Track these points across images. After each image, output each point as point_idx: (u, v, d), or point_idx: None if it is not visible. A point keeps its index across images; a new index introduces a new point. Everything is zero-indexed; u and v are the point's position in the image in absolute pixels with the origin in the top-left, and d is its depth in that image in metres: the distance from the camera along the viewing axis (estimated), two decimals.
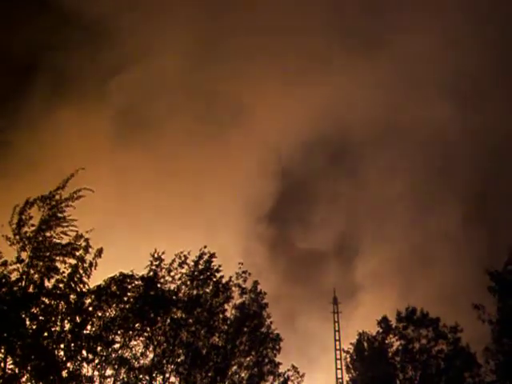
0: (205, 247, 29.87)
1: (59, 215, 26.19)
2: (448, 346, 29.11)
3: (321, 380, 34.05)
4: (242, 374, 28.79)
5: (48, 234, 26.08)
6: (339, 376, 33.78)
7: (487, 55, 57.13)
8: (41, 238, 25.86)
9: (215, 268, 29.70)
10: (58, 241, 26.24)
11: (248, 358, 29.06)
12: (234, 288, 29.74)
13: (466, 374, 28.35)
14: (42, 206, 26.00)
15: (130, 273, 28.44)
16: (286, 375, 28.98)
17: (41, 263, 25.89)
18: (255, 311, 29.92)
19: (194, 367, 28.31)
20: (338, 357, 34.55)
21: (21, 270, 25.49)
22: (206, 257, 29.72)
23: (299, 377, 28.98)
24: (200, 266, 29.73)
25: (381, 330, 30.08)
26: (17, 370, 24.75)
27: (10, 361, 24.73)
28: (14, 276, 25.40)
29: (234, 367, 28.85)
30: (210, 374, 28.48)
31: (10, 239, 25.38)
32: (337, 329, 35.06)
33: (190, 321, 29.05)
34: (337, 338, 34.82)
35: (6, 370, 24.53)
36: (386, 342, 29.86)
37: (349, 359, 30.57)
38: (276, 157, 57.60)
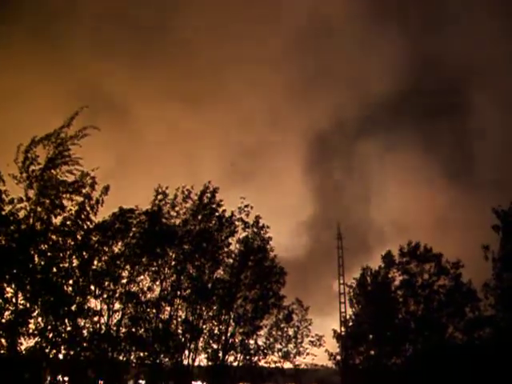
0: (209, 182, 30.01)
1: (65, 153, 26.15)
2: (450, 282, 29.68)
3: (324, 314, 34.79)
4: (247, 307, 29.27)
5: (54, 172, 26.12)
6: (343, 310, 34.53)
7: None
8: (47, 177, 25.91)
9: (218, 202, 29.79)
10: (64, 179, 26.38)
11: (253, 292, 29.45)
12: (237, 222, 29.87)
13: (467, 309, 29.01)
14: (48, 144, 25.91)
15: (133, 207, 28.70)
16: (290, 308, 29.46)
17: (47, 201, 26.06)
18: (259, 245, 30.11)
19: (199, 300, 28.79)
20: (342, 291, 35.23)
21: (28, 208, 25.68)
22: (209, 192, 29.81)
23: (303, 310, 29.51)
24: (204, 201, 29.84)
25: (384, 265, 30.54)
26: (28, 305, 25.28)
27: (21, 297, 25.23)
28: (21, 214, 25.63)
29: (239, 300, 29.32)
30: (215, 307, 29.01)
31: (16, 178, 25.40)
32: (340, 263, 35.57)
33: (196, 255, 29.35)
34: (340, 272, 35.39)
35: (17, 305, 25.06)
36: (389, 276, 30.31)
37: (352, 294, 31.14)
38: None
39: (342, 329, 31.60)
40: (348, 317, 32.23)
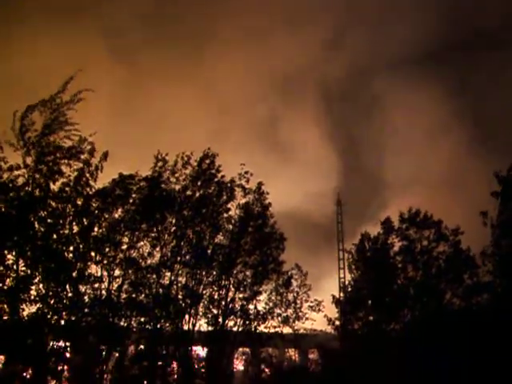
0: (208, 148, 29.97)
1: (61, 119, 26.05)
2: (449, 248, 29.80)
3: (324, 279, 35.09)
4: (247, 273, 29.47)
5: (51, 139, 26.06)
6: (342, 276, 34.81)
7: None
8: (44, 143, 25.85)
9: (217, 168, 29.78)
10: (62, 144, 26.30)
11: (252, 257, 29.61)
12: (236, 188, 29.90)
13: (465, 275, 29.20)
14: (44, 110, 25.78)
15: (132, 173, 28.67)
16: (289, 273, 29.64)
17: (45, 167, 26.04)
18: (259, 211, 30.19)
19: (200, 266, 28.97)
20: (341, 257, 35.43)
21: (26, 175, 25.70)
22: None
23: (302, 275, 29.68)
24: (203, 166, 29.83)
25: (383, 231, 30.60)
26: (29, 272, 25.46)
27: (21, 263, 25.39)
28: (20, 181, 25.65)
29: (239, 266, 29.49)
30: (215, 273, 29.20)
31: (13, 145, 25.36)
32: (340, 229, 35.77)
33: (196, 220, 29.44)
34: (340, 238, 35.59)
35: (18, 271, 25.24)
36: (388, 242, 30.39)
37: (351, 259, 31.28)
38: None
39: (341, 294, 31.91)
40: (347, 282, 32.54)
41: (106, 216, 28.08)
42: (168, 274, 28.70)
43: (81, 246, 27.03)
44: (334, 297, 30.51)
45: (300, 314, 28.98)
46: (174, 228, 29.26)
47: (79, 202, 27.09)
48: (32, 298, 25.21)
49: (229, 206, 29.88)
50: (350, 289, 31.45)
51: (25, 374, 25.32)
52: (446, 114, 60.60)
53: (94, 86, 26.58)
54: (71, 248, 26.76)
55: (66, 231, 26.76)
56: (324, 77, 64.42)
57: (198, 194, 29.66)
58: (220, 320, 28.68)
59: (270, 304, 29.16)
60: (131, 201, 28.69)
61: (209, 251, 29.24)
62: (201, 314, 28.57)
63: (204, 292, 28.84)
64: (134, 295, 27.80)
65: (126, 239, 28.29)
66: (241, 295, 29.18)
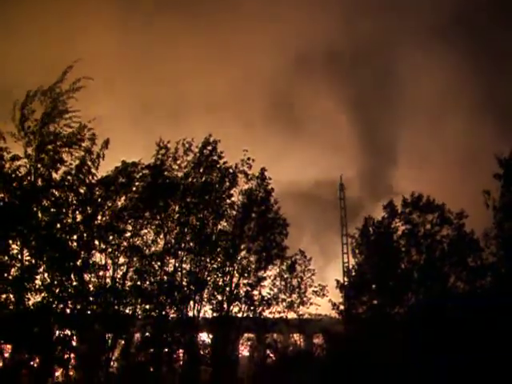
0: (210, 135, 29.94)
1: (61, 108, 26.09)
2: (452, 232, 29.77)
3: (327, 264, 35.08)
4: (251, 258, 29.53)
5: (52, 128, 26.15)
6: (345, 260, 34.78)
7: None
8: (45, 132, 25.93)
9: (219, 154, 29.79)
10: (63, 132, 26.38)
11: (256, 243, 29.63)
12: (239, 175, 29.93)
13: (469, 259, 29.21)
14: (44, 99, 25.84)
15: (135, 161, 28.71)
16: (293, 259, 29.68)
17: (46, 156, 26.13)
18: (262, 197, 30.21)
19: (204, 252, 29.05)
20: (345, 242, 35.43)
21: (28, 165, 25.82)
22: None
23: (306, 261, 29.72)
24: (205, 153, 29.85)
25: (386, 215, 30.61)
26: (33, 261, 25.61)
27: (26, 253, 25.54)
28: (22, 171, 25.78)
29: (243, 252, 29.56)
30: (219, 259, 29.27)
31: (14, 135, 25.41)
32: (343, 214, 35.70)
33: (199, 207, 29.48)
34: (343, 223, 35.54)
35: (23, 261, 25.39)
36: (392, 226, 30.39)
37: (355, 244, 31.30)
38: None
39: (345, 279, 31.94)
40: (351, 267, 32.55)
41: (110, 204, 28.18)
42: (172, 261, 28.84)
43: (84, 235, 27.22)
44: (338, 281, 30.60)
45: (304, 299, 29.03)
46: (177, 215, 29.32)
47: (82, 191, 27.29)
48: (37, 287, 25.51)
49: (231, 192, 29.93)
50: (353, 273, 31.49)
51: (32, 363, 25.57)
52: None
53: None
54: (75, 237, 26.97)
55: (70, 220, 26.98)
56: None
57: (200, 181, 29.71)
58: (225, 306, 28.75)
59: (275, 289, 29.20)
60: (134, 189, 28.75)
61: (212, 238, 29.30)
62: (205, 300, 28.65)
63: (208, 278, 28.90)
64: (138, 283, 27.92)
65: (129, 227, 28.39)
66: (245, 281, 29.22)
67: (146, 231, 28.63)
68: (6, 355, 25.33)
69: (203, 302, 28.64)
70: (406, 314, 28.84)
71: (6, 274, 25.01)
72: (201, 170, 29.81)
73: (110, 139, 27.32)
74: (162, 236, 28.83)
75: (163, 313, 28.02)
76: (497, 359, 24.40)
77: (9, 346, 25.44)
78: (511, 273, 27.67)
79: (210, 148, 29.87)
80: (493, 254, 28.16)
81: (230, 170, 29.89)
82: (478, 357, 24.65)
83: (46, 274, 25.82)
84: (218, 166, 29.89)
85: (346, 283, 30.96)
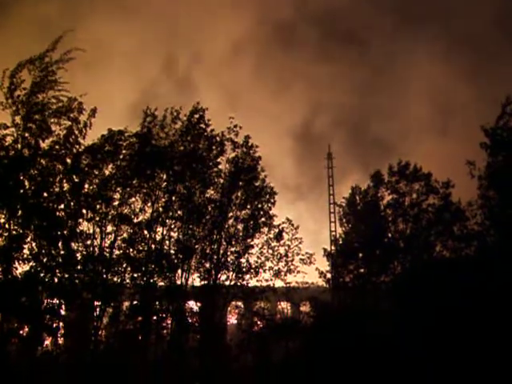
0: (197, 103, 29.83)
1: (51, 78, 25.72)
2: (439, 201, 29.93)
3: (315, 233, 35.31)
4: (239, 227, 29.62)
5: (40, 98, 25.78)
6: (333, 229, 35.01)
7: None
8: (33, 102, 25.61)
9: (206, 122, 29.68)
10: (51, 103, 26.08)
11: (244, 211, 29.72)
12: (226, 142, 29.84)
13: (455, 228, 29.49)
14: (33, 69, 25.44)
15: (122, 129, 28.50)
16: (280, 227, 29.80)
17: (34, 126, 25.86)
18: (249, 165, 30.17)
19: (191, 221, 29.08)
20: (332, 210, 35.59)
21: (15, 134, 25.54)
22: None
23: (293, 229, 29.83)
24: (193, 121, 29.70)
25: (373, 184, 30.68)
26: (21, 231, 25.50)
27: (13, 222, 25.41)
28: (8, 140, 25.51)
29: (231, 220, 29.64)
30: (207, 227, 29.33)
31: (2, 103, 25.11)
32: (331, 183, 35.80)
33: (186, 175, 29.41)
34: (331, 192, 35.65)
35: (10, 230, 25.28)
36: (379, 195, 30.50)
37: (342, 213, 31.42)
38: None
39: (332, 248, 32.18)
40: (338, 236, 32.79)
41: (97, 173, 27.99)
42: (160, 229, 28.83)
43: (72, 204, 27.04)
44: (325, 250, 30.85)
45: (291, 267, 29.26)
46: (164, 184, 29.28)
47: (69, 160, 27.01)
48: (25, 256, 25.34)
49: (219, 160, 29.90)
50: (341, 242, 31.73)
51: (21, 332, 25.65)
52: None
53: None
54: (62, 206, 26.79)
55: (57, 189, 26.73)
56: None
57: (188, 149, 29.59)
58: (212, 274, 28.93)
59: (262, 258, 29.38)
60: (121, 157, 28.55)
61: (200, 206, 29.31)
62: (193, 268, 28.78)
63: (196, 247, 29.00)
64: (126, 251, 27.96)
65: (117, 196, 28.25)
66: (233, 249, 29.36)
67: (133, 200, 28.49)
68: None
69: (191, 270, 28.79)
70: (392, 282, 29.20)
71: None
72: (188, 138, 29.69)
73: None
74: (149, 204, 28.75)
75: (151, 281, 28.10)
76: (482, 325, 24.85)
77: None
78: (496, 242, 27.93)
79: (197, 116, 29.74)
80: (478, 223, 28.33)
81: (217, 138, 29.82)
82: (464, 323, 25.13)
83: (33, 244, 25.66)
84: (206, 134, 29.80)
85: (333, 252, 31.23)
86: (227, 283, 29.02)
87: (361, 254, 30.21)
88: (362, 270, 30.06)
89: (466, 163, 27.78)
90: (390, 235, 29.86)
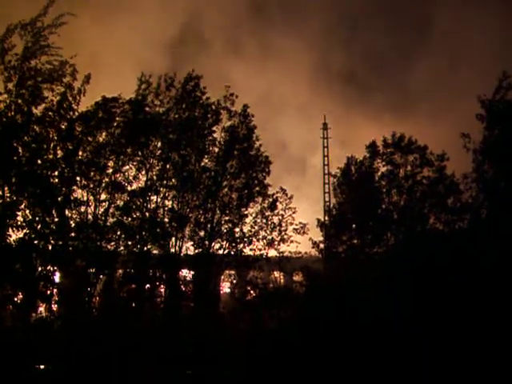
0: (192, 71, 29.60)
1: (43, 43, 25.45)
2: (434, 174, 29.82)
3: (309, 203, 35.34)
4: (233, 196, 29.60)
5: (33, 63, 25.58)
6: (327, 200, 34.94)
7: None
8: (26, 67, 25.38)
9: (201, 90, 29.49)
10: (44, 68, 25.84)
11: (238, 181, 29.66)
12: (222, 111, 29.66)
13: (449, 200, 29.59)
14: (24, 34, 25.14)
15: (115, 96, 28.29)
16: (274, 197, 29.81)
17: (27, 92, 25.67)
18: (244, 134, 30.05)
19: (186, 189, 29.06)
20: (327, 181, 35.54)
21: (8, 101, 25.38)
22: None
23: (287, 199, 29.80)
24: (188, 88, 29.50)
25: (368, 155, 30.64)
26: (15, 198, 25.50)
27: (7, 189, 25.44)
28: (1, 106, 25.35)
29: (225, 189, 29.58)
30: (201, 196, 29.32)
31: None
32: (325, 154, 35.66)
33: (181, 144, 29.32)
34: (325, 162, 35.52)
35: (4, 197, 25.28)
36: (374, 167, 30.45)
37: (336, 183, 31.39)
38: None
39: (326, 218, 32.21)
40: (332, 206, 32.77)
41: (90, 140, 27.90)
42: (154, 197, 28.84)
43: (66, 171, 27.02)
44: (318, 220, 30.88)
45: (285, 236, 29.34)
46: (159, 152, 29.18)
47: (63, 127, 26.92)
48: (18, 223, 25.46)
49: (214, 129, 29.75)
50: (334, 212, 31.73)
51: (15, 299, 25.80)
52: None
53: None
54: (56, 173, 26.78)
55: (51, 156, 26.74)
56: None
57: (183, 117, 29.43)
58: (206, 243, 28.99)
59: (256, 227, 29.39)
60: (115, 124, 28.41)
61: (195, 175, 29.26)
62: (187, 237, 28.79)
63: (190, 215, 28.98)
64: (120, 219, 27.96)
65: (111, 163, 28.19)
66: (227, 218, 29.36)
67: (127, 167, 28.46)
68: None
69: (185, 239, 28.81)
70: (385, 253, 29.35)
71: None
72: (183, 106, 29.52)
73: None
74: (143, 172, 28.73)
75: (145, 249, 28.23)
76: (474, 299, 25.11)
77: None
78: (490, 215, 28.05)
79: (192, 84, 29.52)
80: (472, 197, 28.39)
81: (213, 107, 29.65)
82: (456, 297, 25.38)
83: (27, 211, 25.74)
84: (201, 102, 29.62)
85: (326, 222, 31.27)
86: (221, 252, 29.11)
87: (354, 225, 30.22)
88: (355, 241, 30.05)
89: (460, 136, 27.81)
90: (383, 206, 29.80)
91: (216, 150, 29.84)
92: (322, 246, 30.33)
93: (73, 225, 27.09)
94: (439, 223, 29.12)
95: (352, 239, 30.09)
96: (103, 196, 27.89)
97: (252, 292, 29.83)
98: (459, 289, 25.24)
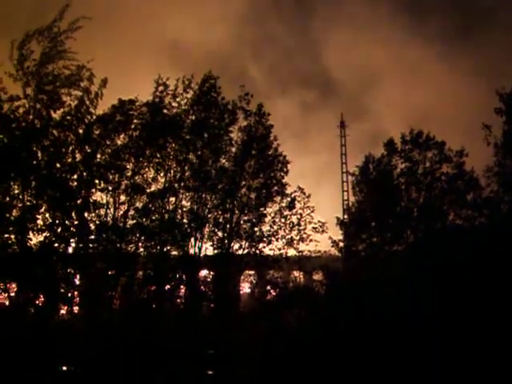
0: (209, 72, 29.68)
1: (60, 48, 25.69)
2: (452, 170, 29.63)
3: (327, 202, 35.19)
4: (251, 196, 29.62)
5: (50, 68, 25.79)
6: (345, 198, 34.84)
7: None
8: (43, 72, 25.62)
9: (218, 90, 29.64)
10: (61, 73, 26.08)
11: (256, 181, 29.70)
12: (238, 111, 29.73)
13: (469, 196, 29.32)
14: (41, 39, 25.40)
15: (132, 98, 28.45)
16: (292, 196, 29.76)
17: (45, 97, 25.91)
18: (261, 133, 30.07)
19: (204, 190, 29.14)
20: (345, 179, 35.45)
21: (27, 106, 25.62)
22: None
23: (306, 197, 29.76)
24: (204, 90, 29.59)
25: (386, 153, 30.44)
26: (34, 202, 25.70)
27: (27, 193, 25.61)
28: (20, 111, 25.59)
29: (243, 189, 29.62)
30: (219, 196, 29.37)
31: (13, 75, 25.12)
32: (343, 152, 35.55)
33: (198, 145, 29.41)
34: (343, 161, 35.43)
35: (24, 201, 25.48)
36: (392, 164, 30.26)
37: (355, 182, 31.26)
38: None
39: (345, 216, 32.10)
40: (351, 204, 32.66)
41: (108, 143, 28.08)
42: (173, 199, 28.95)
43: (85, 174, 27.09)
44: (338, 218, 30.81)
45: (304, 235, 29.29)
46: (176, 153, 29.28)
47: (81, 130, 27.07)
48: (39, 227, 25.55)
49: (231, 129, 29.81)
50: (353, 210, 31.62)
51: (37, 301, 26.00)
52: None
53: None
54: (75, 176, 26.83)
55: (70, 159, 26.78)
56: None
57: (199, 118, 29.51)
58: (226, 243, 29.06)
59: (275, 226, 29.40)
60: (133, 127, 28.58)
61: (212, 175, 29.33)
62: (206, 237, 28.89)
63: (209, 216, 29.08)
64: (140, 220, 28.10)
65: (130, 166, 28.36)
66: (246, 218, 29.41)
67: (146, 170, 28.61)
68: (12, 294, 25.71)
69: (204, 239, 28.90)
70: (405, 250, 29.15)
71: (7, 215, 25.09)
72: (200, 107, 29.61)
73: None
74: (162, 174, 28.83)
75: (165, 250, 28.33)
76: (496, 295, 24.86)
77: (14, 286, 25.82)
78: (511, 210, 27.75)
79: (208, 85, 29.62)
80: (493, 191, 28.10)
81: (229, 107, 29.71)
82: (477, 293, 25.15)
83: (47, 214, 25.85)
84: (217, 102, 29.69)
85: (345, 220, 31.17)
86: (240, 252, 29.15)
87: (374, 223, 30.11)
88: (374, 239, 29.93)
89: (482, 127, 27.54)
90: (403, 204, 29.66)
91: (233, 150, 29.93)
92: (341, 244, 30.27)
93: (92, 227, 27.19)
94: (459, 219, 28.93)
95: (372, 237, 29.97)
96: (122, 198, 28.11)
97: (272, 292, 29.87)
98: (480, 285, 24.98)
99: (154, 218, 28.36)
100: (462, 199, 28.96)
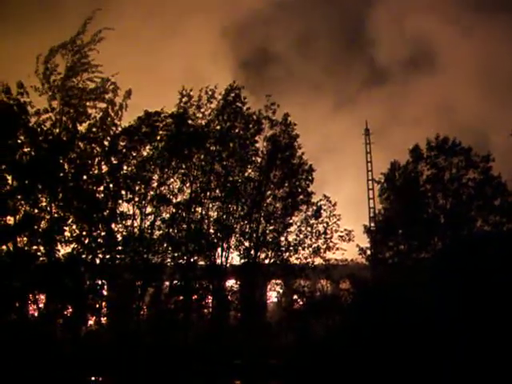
0: (234, 82, 29.87)
1: (84, 61, 26.16)
2: (479, 175, 29.41)
3: (353, 210, 35.01)
4: (277, 205, 29.59)
5: (75, 81, 26.21)
6: (371, 205, 34.68)
7: None
8: (69, 86, 26.10)
9: (242, 100, 29.65)
10: (86, 86, 26.51)
11: (281, 190, 29.65)
12: (263, 121, 29.75)
13: (496, 202, 28.94)
14: (65, 53, 25.86)
15: (158, 110, 28.66)
16: (318, 204, 29.67)
17: (71, 110, 26.33)
18: (286, 143, 30.05)
19: (230, 200, 29.18)
20: (371, 187, 35.27)
21: (53, 118, 26.04)
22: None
23: (331, 206, 29.66)
24: (229, 100, 29.69)
25: (412, 160, 30.24)
26: (62, 214, 26.08)
27: (54, 205, 26.01)
28: (47, 125, 26.10)
29: (269, 199, 29.59)
30: (245, 206, 29.39)
31: (38, 89, 25.55)
32: (369, 160, 35.46)
33: (223, 155, 29.48)
34: (369, 168, 35.31)
35: (52, 213, 25.83)
36: (418, 171, 30.04)
37: (381, 189, 31.07)
38: None
39: (372, 224, 31.89)
40: (377, 212, 32.46)
41: (134, 154, 28.31)
42: (199, 209, 29.04)
43: (111, 186, 27.52)
44: (365, 226, 30.64)
45: (330, 244, 29.15)
46: (202, 163, 29.41)
47: (106, 142, 27.46)
48: (66, 238, 25.99)
49: (256, 138, 29.84)
50: (380, 218, 31.43)
51: (65, 312, 26.27)
52: None
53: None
54: (102, 188, 27.30)
55: (96, 171, 27.26)
56: None
57: (224, 128, 29.63)
58: (252, 253, 29.04)
59: (301, 235, 29.30)
60: (158, 138, 28.76)
61: (238, 185, 29.38)
62: (233, 247, 28.89)
63: (235, 226, 29.08)
64: (166, 231, 28.24)
65: (155, 176, 28.51)
66: (272, 227, 29.35)
67: (172, 180, 28.74)
68: (41, 305, 26.04)
69: (230, 249, 28.88)
70: (432, 258, 28.85)
71: (35, 227, 25.52)
72: (225, 118, 29.71)
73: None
74: (188, 185, 28.94)
75: (191, 260, 28.41)
76: None
77: (42, 297, 26.15)
78: None
79: (233, 95, 29.72)
80: None
81: (254, 117, 29.78)
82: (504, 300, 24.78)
83: (74, 226, 26.27)
84: (242, 112, 29.77)
85: (372, 228, 30.97)
86: (267, 261, 29.08)
87: (400, 231, 29.88)
88: (401, 247, 29.71)
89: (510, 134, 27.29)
90: (429, 211, 29.42)
91: (259, 159, 29.93)
92: (368, 252, 30.05)
93: (119, 238, 27.45)
94: (487, 225, 28.60)
95: (399, 245, 29.74)
96: (149, 209, 28.18)
97: (299, 301, 29.76)
98: (507, 290, 24.62)
99: (180, 228, 28.48)
100: (490, 205, 28.65)
